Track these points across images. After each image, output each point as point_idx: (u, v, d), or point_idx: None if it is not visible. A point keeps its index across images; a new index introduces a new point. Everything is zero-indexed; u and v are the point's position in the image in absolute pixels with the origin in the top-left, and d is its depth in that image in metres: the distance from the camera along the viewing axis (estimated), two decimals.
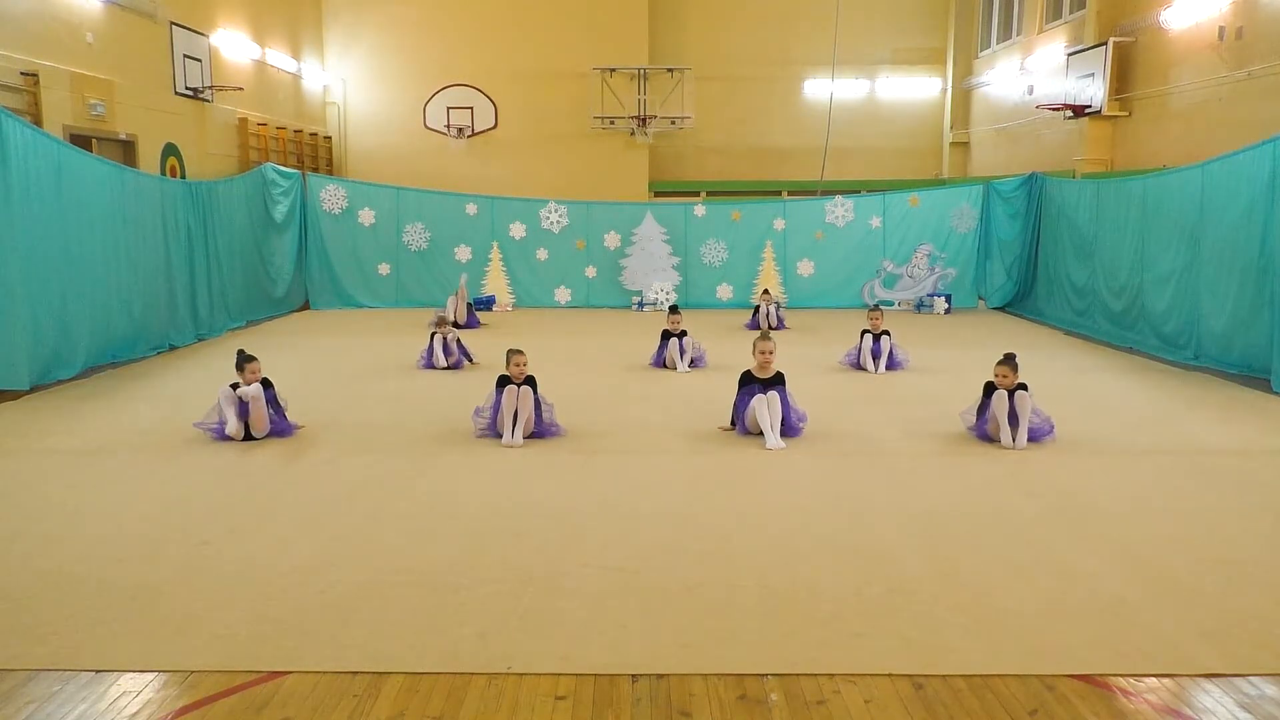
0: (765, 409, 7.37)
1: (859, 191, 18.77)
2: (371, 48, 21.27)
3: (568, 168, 20.86)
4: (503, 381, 7.49)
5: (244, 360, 7.53)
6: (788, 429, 7.52)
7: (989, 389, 7.41)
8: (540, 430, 7.54)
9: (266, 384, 7.55)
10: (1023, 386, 7.34)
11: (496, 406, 7.49)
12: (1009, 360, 7.46)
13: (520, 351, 7.57)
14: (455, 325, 12.09)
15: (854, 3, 20.50)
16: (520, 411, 7.37)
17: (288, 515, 5.72)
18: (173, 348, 12.00)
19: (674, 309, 11.05)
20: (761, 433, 7.40)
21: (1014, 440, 7.22)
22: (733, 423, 7.78)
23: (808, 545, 5.20)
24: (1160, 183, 12.21)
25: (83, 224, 10.23)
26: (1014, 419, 7.27)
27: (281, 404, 7.68)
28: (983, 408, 7.46)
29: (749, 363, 7.80)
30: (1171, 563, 4.95)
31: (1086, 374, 10.43)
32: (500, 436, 7.43)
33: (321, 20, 21.07)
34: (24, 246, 9.16)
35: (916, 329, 13.90)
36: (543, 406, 7.58)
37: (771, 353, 7.66)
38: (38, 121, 11.11)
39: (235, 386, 7.46)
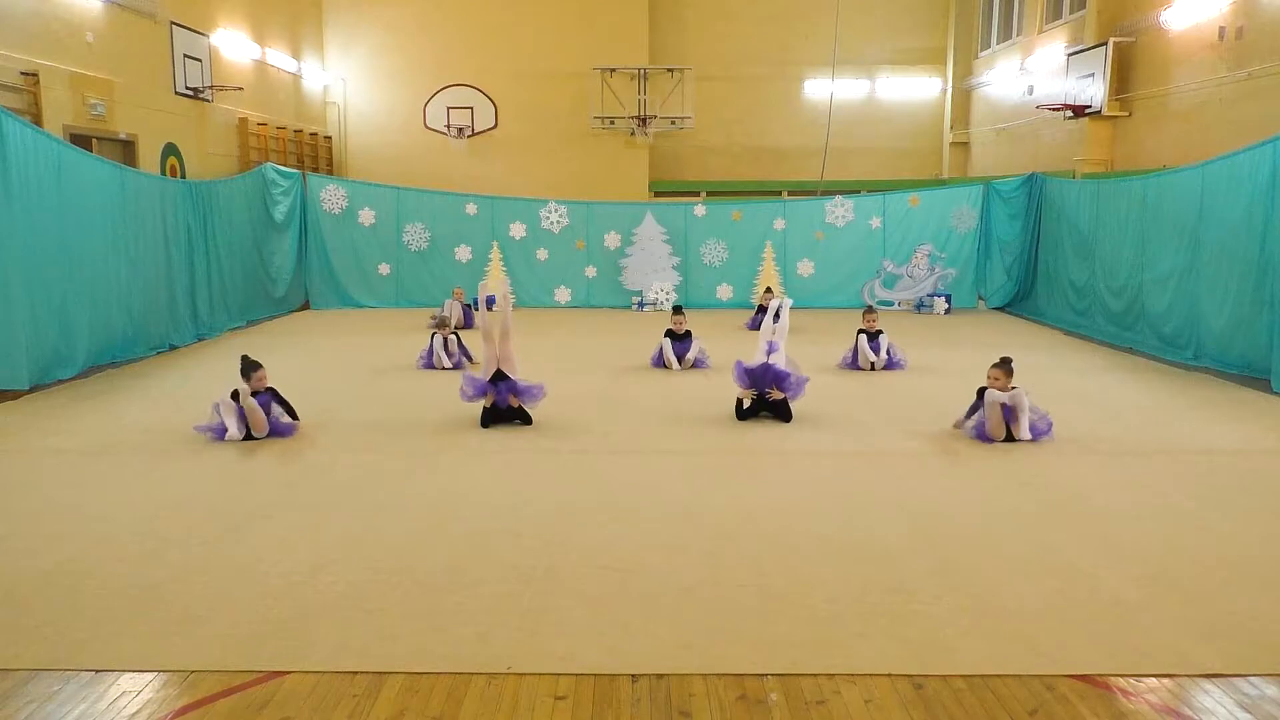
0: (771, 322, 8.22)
1: (859, 191, 18.76)
2: (371, 48, 21.26)
3: (568, 168, 20.85)
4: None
5: (250, 368, 7.53)
6: (787, 387, 8.07)
7: (981, 393, 7.48)
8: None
9: (269, 388, 7.55)
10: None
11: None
12: (1005, 364, 7.52)
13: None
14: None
15: (854, 3, 20.51)
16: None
17: (287, 515, 5.72)
18: (173, 348, 12.00)
19: (678, 309, 11.03)
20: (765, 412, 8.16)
21: (1019, 434, 7.30)
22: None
23: (808, 545, 5.21)
24: (1160, 183, 12.21)
25: (83, 224, 10.22)
26: (1011, 416, 7.33)
27: (289, 404, 7.68)
28: (974, 408, 7.53)
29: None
30: (1171, 563, 4.96)
31: (1086, 374, 10.43)
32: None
33: (321, 20, 21.06)
34: (24, 246, 9.16)
35: (916, 329, 13.89)
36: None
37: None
38: (38, 121, 11.11)
39: (234, 395, 7.44)
